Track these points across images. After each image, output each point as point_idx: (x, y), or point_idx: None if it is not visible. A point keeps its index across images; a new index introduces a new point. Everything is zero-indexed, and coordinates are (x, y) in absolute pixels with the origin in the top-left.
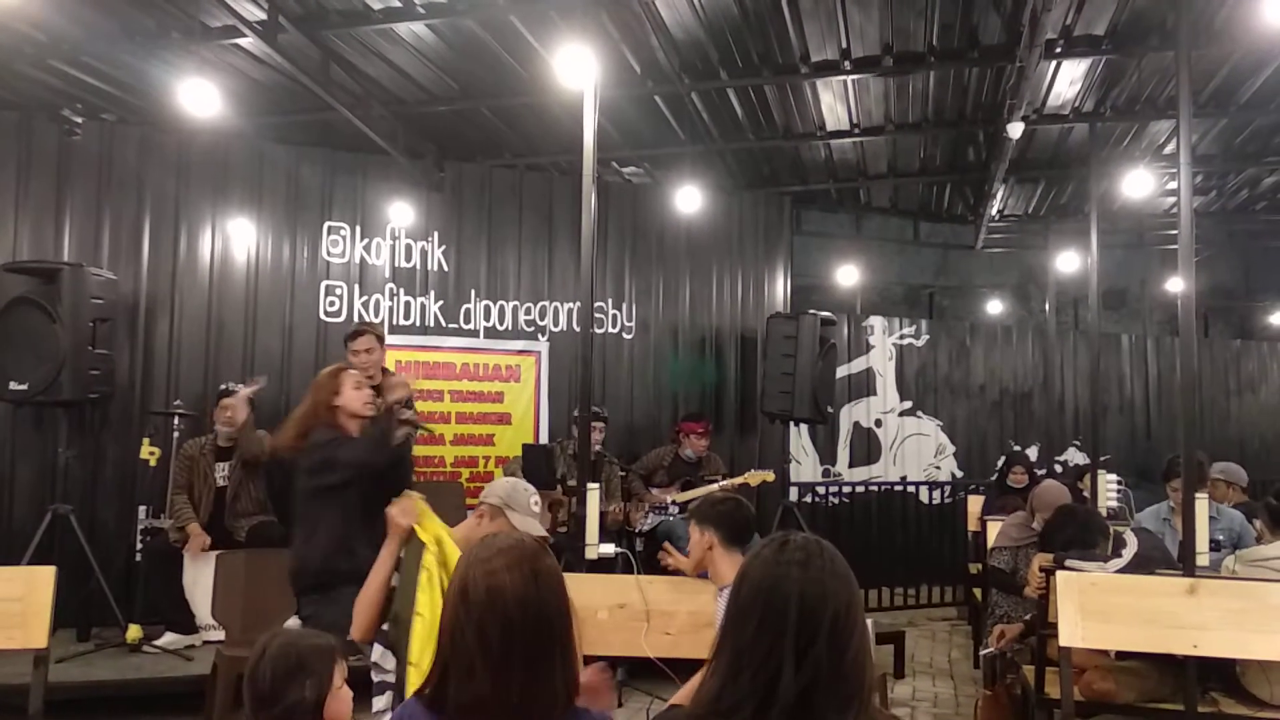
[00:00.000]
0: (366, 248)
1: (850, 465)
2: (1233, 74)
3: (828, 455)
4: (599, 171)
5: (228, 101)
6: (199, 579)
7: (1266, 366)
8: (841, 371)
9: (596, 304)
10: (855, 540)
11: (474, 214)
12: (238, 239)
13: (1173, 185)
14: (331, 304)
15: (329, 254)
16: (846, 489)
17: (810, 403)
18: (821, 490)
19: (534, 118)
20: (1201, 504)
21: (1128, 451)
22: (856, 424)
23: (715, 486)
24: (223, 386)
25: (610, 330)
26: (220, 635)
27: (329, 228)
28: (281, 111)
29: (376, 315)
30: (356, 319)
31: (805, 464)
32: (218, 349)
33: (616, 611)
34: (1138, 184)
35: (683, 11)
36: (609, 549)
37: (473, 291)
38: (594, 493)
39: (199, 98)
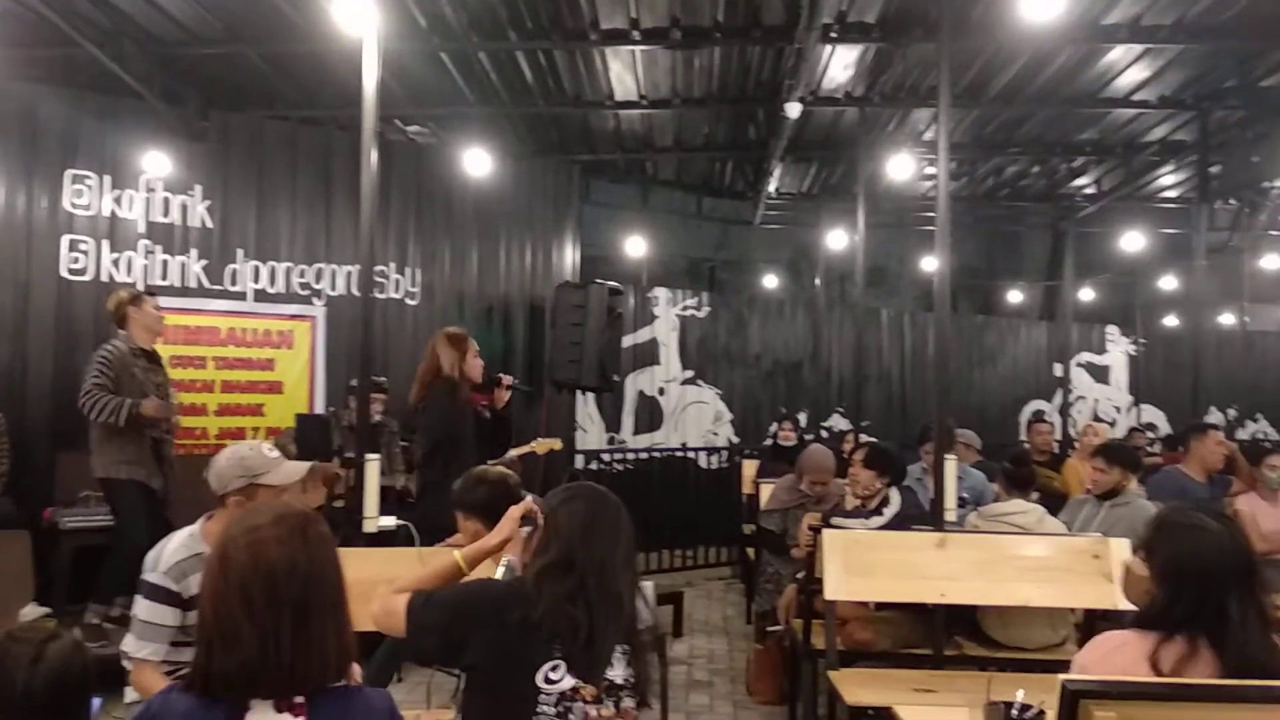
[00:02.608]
0: (117, 200)
1: (634, 432)
2: (985, 68)
3: (613, 423)
4: (381, 129)
5: None
6: None
7: (1004, 340)
8: (627, 341)
9: (378, 268)
10: (637, 505)
11: (242, 167)
12: None
13: (931, 170)
14: (76, 260)
15: (73, 205)
16: (630, 455)
17: (597, 371)
18: (606, 457)
19: (310, 67)
20: (951, 465)
21: (884, 417)
22: (641, 392)
23: (509, 455)
24: None
25: (393, 295)
26: None
27: (73, 176)
28: (16, 44)
29: (129, 274)
30: (107, 278)
31: (591, 431)
32: None
33: None
34: (900, 168)
35: None
36: (389, 521)
37: (240, 251)
38: (374, 463)
39: None
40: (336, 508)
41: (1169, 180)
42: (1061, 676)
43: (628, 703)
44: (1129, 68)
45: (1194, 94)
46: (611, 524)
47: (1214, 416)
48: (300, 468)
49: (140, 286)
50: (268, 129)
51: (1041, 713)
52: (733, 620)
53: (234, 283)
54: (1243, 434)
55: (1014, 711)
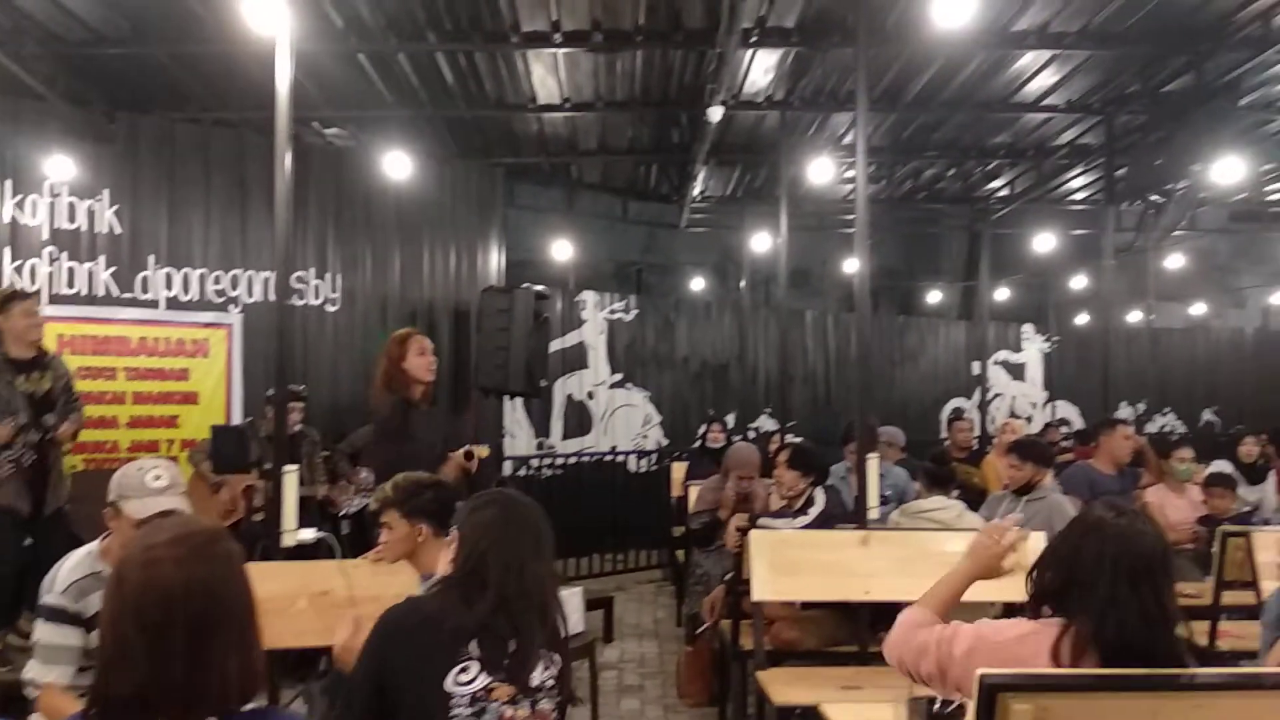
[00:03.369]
0: (19, 205)
1: (564, 437)
2: (901, 73)
3: (542, 428)
4: (298, 131)
5: None
6: None
7: (924, 340)
8: (555, 345)
9: (297, 274)
10: (567, 510)
11: (152, 171)
12: None
13: (851, 174)
14: None
15: None
16: (560, 460)
17: (524, 376)
18: (536, 463)
19: (221, 68)
20: (873, 464)
21: (810, 417)
22: (569, 397)
23: None
24: None
25: (312, 302)
26: None
27: None
28: None
29: (34, 282)
30: (8, 285)
31: (520, 437)
32: None
33: (318, 599)
34: (821, 171)
35: None
36: (309, 534)
37: (151, 257)
38: (291, 475)
39: None
40: (255, 521)
41: (1078, 183)
42: (979, 670)
43: (545, 705)
44: (1038, 73)
45: (1100, 99)
46: (530, 526)
47: (1124, 411)
48: (157, 506)
49: (45, 296)
50: (179, 131)
51: (961, 706)
52: (663, 623)
53: (145, 290)
54: (1152, 428)
55: (935, 707)
